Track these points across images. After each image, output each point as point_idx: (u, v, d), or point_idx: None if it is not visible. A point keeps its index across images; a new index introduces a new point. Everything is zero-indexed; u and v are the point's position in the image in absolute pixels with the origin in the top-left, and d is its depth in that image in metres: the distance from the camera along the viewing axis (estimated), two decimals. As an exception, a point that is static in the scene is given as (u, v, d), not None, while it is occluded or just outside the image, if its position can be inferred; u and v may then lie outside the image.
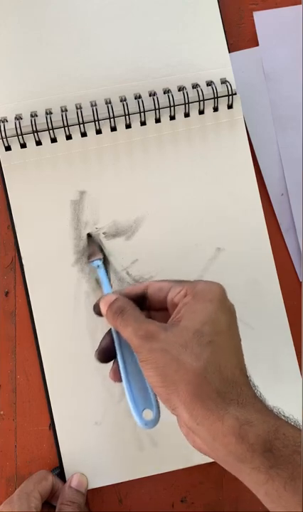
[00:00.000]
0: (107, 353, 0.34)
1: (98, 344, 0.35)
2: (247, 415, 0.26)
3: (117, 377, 0.34)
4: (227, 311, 0.31)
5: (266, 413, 0.27)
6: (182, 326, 0.29)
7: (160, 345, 0.29)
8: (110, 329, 0.35)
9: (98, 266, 0.39)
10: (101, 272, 0.39)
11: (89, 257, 0.40)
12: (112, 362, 0.35)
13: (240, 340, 0.31)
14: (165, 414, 0.40)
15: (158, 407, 0.32)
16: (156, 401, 0.32)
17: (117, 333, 0.34)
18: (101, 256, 0.40)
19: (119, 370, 0.33)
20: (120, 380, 0.33)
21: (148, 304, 0.34)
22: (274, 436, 0.26)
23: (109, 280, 0.39)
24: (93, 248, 0.40)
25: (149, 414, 0.32)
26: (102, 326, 0.40)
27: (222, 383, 0.28)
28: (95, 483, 0.40)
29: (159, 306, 0.33)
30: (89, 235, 0.40)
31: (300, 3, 0.44)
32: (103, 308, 0.33)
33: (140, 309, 0.32)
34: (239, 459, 0.26)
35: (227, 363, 0.29)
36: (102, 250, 0.40)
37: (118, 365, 0.33)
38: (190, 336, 0.29)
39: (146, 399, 0.32)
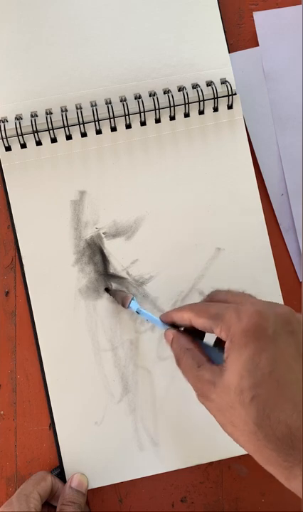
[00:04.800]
0: None
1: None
2: None
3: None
4: (268, 345, 0.26)
5: None
6: (225, 381, 0.27)
7: (214, 406, 0.28)
8: None
9: (137, 312, 0.37)
10: (144, 314, 0.37)
11: (124, 303, 0.38)
12: None
13: (296, 371, 0.26)
14: (165, 417, 0.40)
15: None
16: None
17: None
18: (132, 295, 0.39)
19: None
20: None
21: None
22: None
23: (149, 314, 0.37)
24: (121, 294, 0.39)
25: None
26: (102, 326, 0.40)
27: (279, 443, 0.25)
28: (95, 483, 0.40)
29: None
30: (106, 289, 0.40)
31: (300, 3, 0.44)
32: (168, 344, 0.33)
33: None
34: None
35: (279, 416, 0.25)
36: (125, 292, 0.40)
37: None
38: (232, 396, 0.26)
39: None
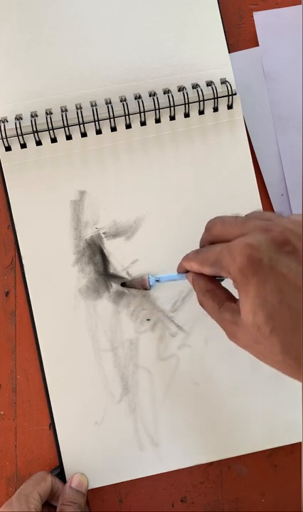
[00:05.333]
0: None
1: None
2: None
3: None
4: (267, 275, 0.25)
5: None
6: (243, 321, 0.27)
7: (242, 344, 0.28)
8: None
9: (157, 280, 0.39)
10: (164, 278, 0.38)
11: (144, 286, 0.40)
12: None
13: None
14: (165, 417, 0.40)
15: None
16: None
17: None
18: (147, 275, 0.40)
19: None
20: None
21: None
22: None
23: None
24: (137, 280, 0.40)
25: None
26: (102, 326, 0.40)
27: None
28: (95, 483, 0.40)
29: None
30: (122, 284, 0.41)
31: (300, 3, 0.44)
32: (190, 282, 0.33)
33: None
34: None
35: (302, 340, 0.25)
36: (135, 281, 0.40)
37: None
38: (253, 333, 0.26)
39: None
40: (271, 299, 0.25)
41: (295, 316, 0.25)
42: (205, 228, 0.32)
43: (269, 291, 0.25)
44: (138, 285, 0.40)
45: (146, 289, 0.40)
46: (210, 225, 0.32)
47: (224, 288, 0.31)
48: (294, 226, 0.27)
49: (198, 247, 0.33)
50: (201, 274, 0.32)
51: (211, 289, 0.31)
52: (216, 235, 0.31)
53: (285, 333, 0.25)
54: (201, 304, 0.32)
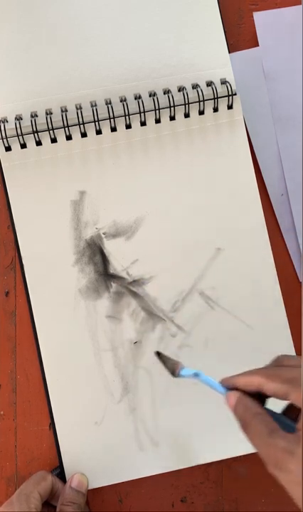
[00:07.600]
0: None
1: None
2: None
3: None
4: None
5: None
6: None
7: (292, 478, 0.26)
8: None
9: (195, 374, 0.32)
10: (203, 378, 0.32)
11: (174, 371, 0.33)
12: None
13: None
14: (165, 417, 0.40)
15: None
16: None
17: None
18: (181, 363, 0.33)
19: None
20: None
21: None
22: None
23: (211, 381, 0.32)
24: (170, 361, 0.34)
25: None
26: (102, 326, 0.40)
27: None
28: (95, 483, 0.40)
29: None
30: (158, 353, 0.35)
31: (300, 4, 0.44)
32: (231, 408, 0.30)
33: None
34: None
35: None
36: (171, 361, 0.34)
37: None
38: None
39: None
40: None
41: None
42: (274, 360, 0.31)
43: None
44: (169, 365, 0.34)
45: (172, 374, 0.34)
46: (282, 358, 0.31)
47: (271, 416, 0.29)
48: None
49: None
50: (248, 396, 0.30)
51: (262, 413, 0.29)
52: (288, 365, 0.30)
53: None
54: (244, 426, 0.29)
